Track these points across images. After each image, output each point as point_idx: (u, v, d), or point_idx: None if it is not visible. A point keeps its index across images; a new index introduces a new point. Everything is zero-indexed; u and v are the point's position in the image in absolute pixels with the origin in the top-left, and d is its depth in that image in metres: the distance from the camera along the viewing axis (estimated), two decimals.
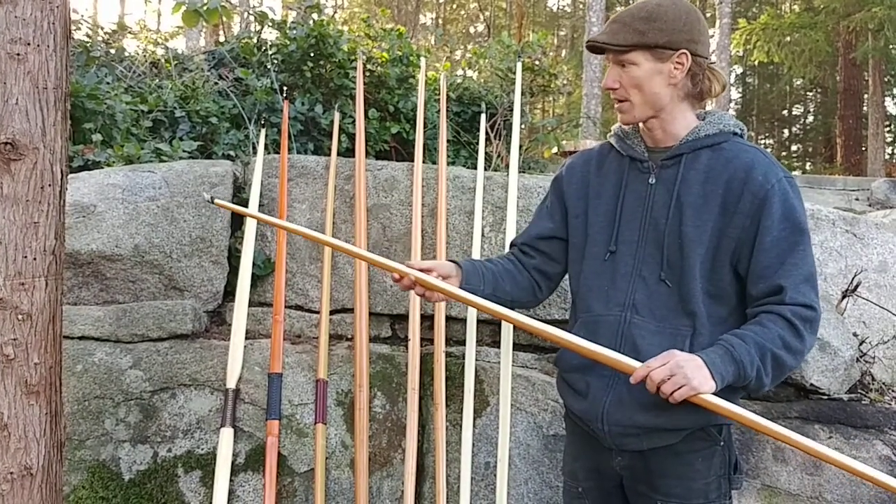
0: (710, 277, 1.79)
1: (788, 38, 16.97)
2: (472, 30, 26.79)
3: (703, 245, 1.78)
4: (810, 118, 27.91)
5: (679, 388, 1.59)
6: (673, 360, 1.61)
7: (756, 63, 20.55)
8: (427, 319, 3.02)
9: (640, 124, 1.91)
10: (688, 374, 1.59)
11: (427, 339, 2.99)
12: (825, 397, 2.80)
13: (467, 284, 1.91)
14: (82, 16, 5.41)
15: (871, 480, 1.52)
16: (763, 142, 28.31)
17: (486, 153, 3.54)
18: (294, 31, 4.61)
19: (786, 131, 29.04)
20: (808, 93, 27.01)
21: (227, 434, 2.69)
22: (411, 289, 1.85)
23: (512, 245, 2.15)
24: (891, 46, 15.95)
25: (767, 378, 1.69)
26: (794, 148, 28.35)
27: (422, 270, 1.85)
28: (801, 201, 1.79)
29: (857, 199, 8.85)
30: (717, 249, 1.78)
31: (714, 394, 1.63)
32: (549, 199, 2.09)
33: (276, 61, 4.64)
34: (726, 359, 1.64)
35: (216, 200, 1.95)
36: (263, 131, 3.45)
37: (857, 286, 3.02)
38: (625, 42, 1.77)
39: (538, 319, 2.97)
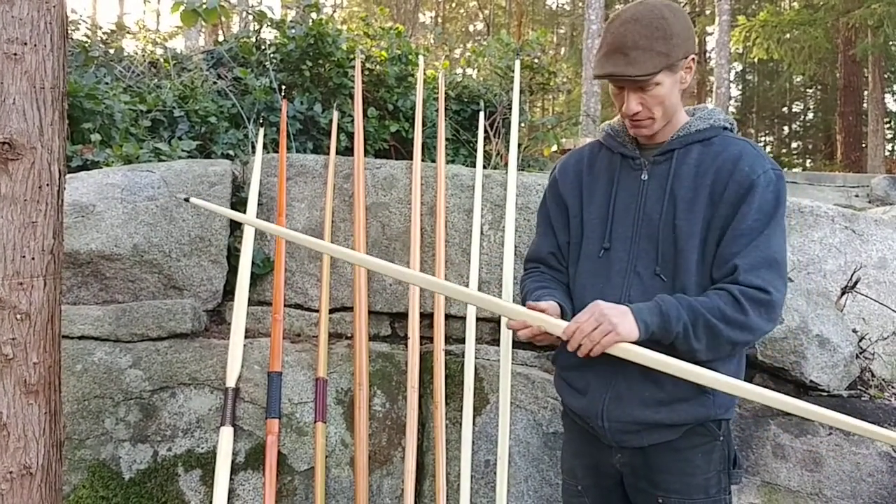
0: (702, 270, 1.79)
1: (788, 35, 16.93)
2: (471, 28, 26.75)
3: (694, 237, 1.78)
4: (810, 115, 27.87)
5: (606, 334, 1.65)
6: (598, 309, 1.68)
7: (756, 60, 20.50)
8: (426, 318, 3.02)
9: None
10: (613, 320, 1.65)
11: (426, 338, 3.00)
12: (825, 394, 2.80)
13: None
14: (81, 16, 5.41)
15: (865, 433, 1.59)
16: (763, 139, 28.28)
17: (485, 151, 3.54)
18: (293, 31, 4.61)
19: (786, 128, 28.99)
20: (807, 90, 26.95)
21: (226, 433, 2.70)
22: (536, 336, 1.79)
23: (534, 260, 2.10)
24: (890, 43, 15.91)
25: (699, 343, 1.70)
26: (794, 145, 28.31)
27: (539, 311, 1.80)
28: (784, 194, 1.80)
29: (856, 196, 8.84)
30: (707, 241, 1.79)
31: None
32: (549, 204, 2.08)
33: (274, 60, 4.64)
34: (654, 310, 1.68)
35: (192, 199, 1.94)
36: (262, 130, 3.45)
37: (856, 282, 3.02)
38: (654, 69, 1.73)
39: None
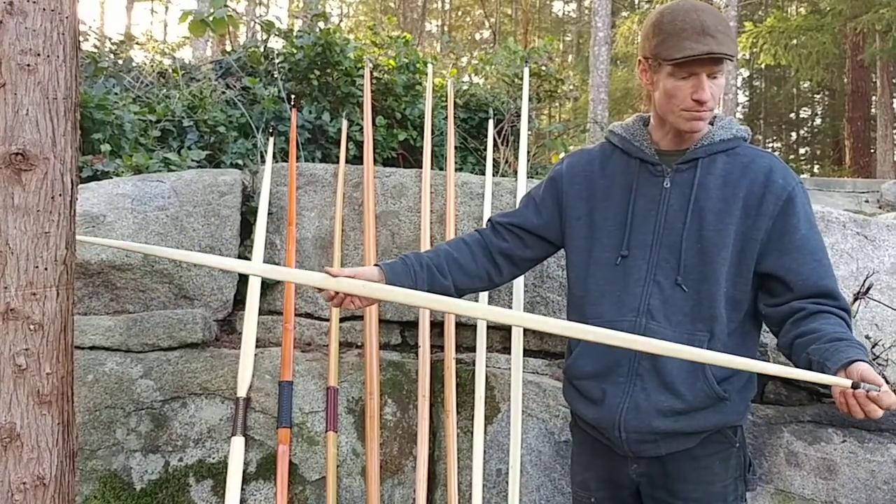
0: (735, 281, 1.78)
1: (795, 41, 16.90)
2: (477, 36, 26.81)
3: (726, 248, 1.77)
4: (818, 121, 27.80)
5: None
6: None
7: (763, 66, 20.50)
8: (437, 326, 3.01)
9: (654, 125, 1.90)
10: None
11: (437, 346, 2.99)
12: None
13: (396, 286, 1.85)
14: (90, 27, 5.43)
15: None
16: (771, 145, 28.21)
17: (493, 159, 3.54)
18: (301, 40, 4.62)
19: (794, 134, 28.93)
20: (815, 95, 26.92)
21: (238, 443, 2.69)
22: (332, 298, 1.81)
23: (490, 221, 2.10)
24: None
25: None
26: (802, 151, 28.23)
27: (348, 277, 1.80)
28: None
29: (866, 202, 8.81)
30: (743, 252, 1.78)
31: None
32: (542, 194, 2.05)
33: (283, 70, 4.65)
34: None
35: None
36: (272, 140, 3.45)
37: (868, 288, 3.00)
38: (734, 51, 1.76)
39: None
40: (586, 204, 1.96)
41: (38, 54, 1.64)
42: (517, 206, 2.15)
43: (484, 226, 2.13)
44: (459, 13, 26.79)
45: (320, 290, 1.82)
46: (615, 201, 1.91)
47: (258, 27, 5.28)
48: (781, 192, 1.77)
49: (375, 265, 1.91)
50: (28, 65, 1.63)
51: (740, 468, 1.88)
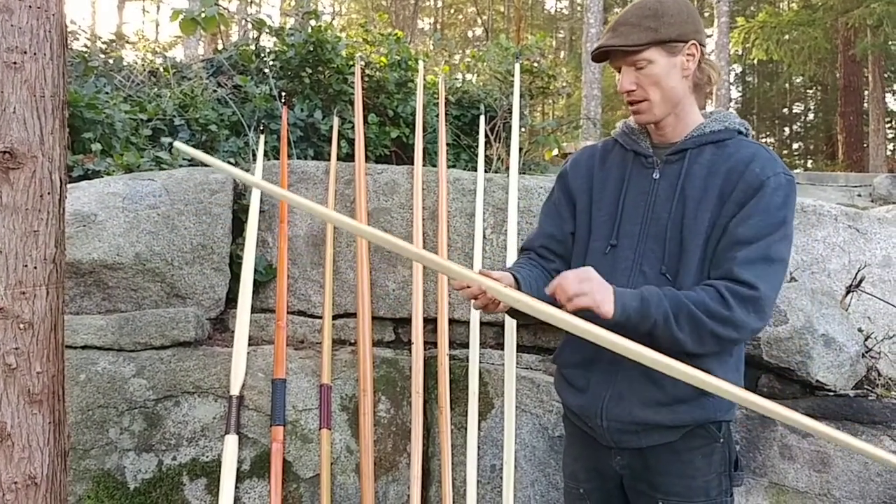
0: (704, 269, 1.78)
1: (787, 36, 16.93)
2: (470, 34, 26.81)
3: (700, 236, 1.77)
4: (811, 115, 27.88)
5: (581, 295, 1.62)
6: (587, 274, 1.66)
7: (755, 61, 20.55)
8: (430, 323, 3.02)
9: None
10: (594, 287, 1.63)
11: (430, 343, 2.99)
12: (831, 394, 2.79)
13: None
14: (80, 26, 5.42)
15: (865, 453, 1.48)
16: (764, 140, 28.27)
17: (486, 156, 3.54)
18: (292, 38, 4.62)
19: (787, 129, 28.99)
20: (808, 90, 26.98)
21: (231, 441, 2.69)
22: (476, 298, 1.75)
23: (526, 249, 2.09)
24: (890, 42, 15.91)
25: (682, 333, 1.67)
26: (795, 146, 28.30)
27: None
28: (793, 199, 1.78)
29: (859, 195, 8.85)
30: (711, 239, 1.77)
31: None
32: (557, 195, 2.08)
33: (274, 68, 4.65)
34: (635, 295, 1.67)
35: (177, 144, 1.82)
36: (263, 138, 3.44)
37: (860, 281, 3.01)
38: (639, 42, 1.77)
39: None
40: (587, 196, 1.99)
41: (25, 52, 1.64)
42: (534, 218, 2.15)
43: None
44: (452, 10, 26.79)
45: (463, 287, 1.73)
46: (609, 192, 1.94)
47: (249, 25, 5.27)
48: (755, 180, 1.75)
49: (507, 271, 1.88)
50: (14, 62, 1.62)
51: (725, 464, 1.87)
